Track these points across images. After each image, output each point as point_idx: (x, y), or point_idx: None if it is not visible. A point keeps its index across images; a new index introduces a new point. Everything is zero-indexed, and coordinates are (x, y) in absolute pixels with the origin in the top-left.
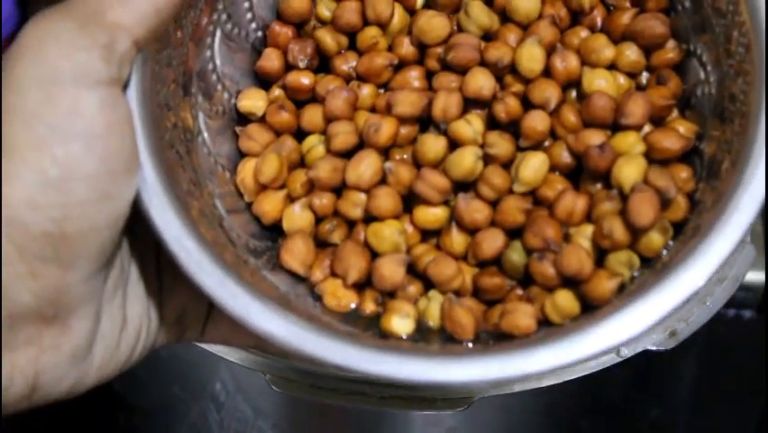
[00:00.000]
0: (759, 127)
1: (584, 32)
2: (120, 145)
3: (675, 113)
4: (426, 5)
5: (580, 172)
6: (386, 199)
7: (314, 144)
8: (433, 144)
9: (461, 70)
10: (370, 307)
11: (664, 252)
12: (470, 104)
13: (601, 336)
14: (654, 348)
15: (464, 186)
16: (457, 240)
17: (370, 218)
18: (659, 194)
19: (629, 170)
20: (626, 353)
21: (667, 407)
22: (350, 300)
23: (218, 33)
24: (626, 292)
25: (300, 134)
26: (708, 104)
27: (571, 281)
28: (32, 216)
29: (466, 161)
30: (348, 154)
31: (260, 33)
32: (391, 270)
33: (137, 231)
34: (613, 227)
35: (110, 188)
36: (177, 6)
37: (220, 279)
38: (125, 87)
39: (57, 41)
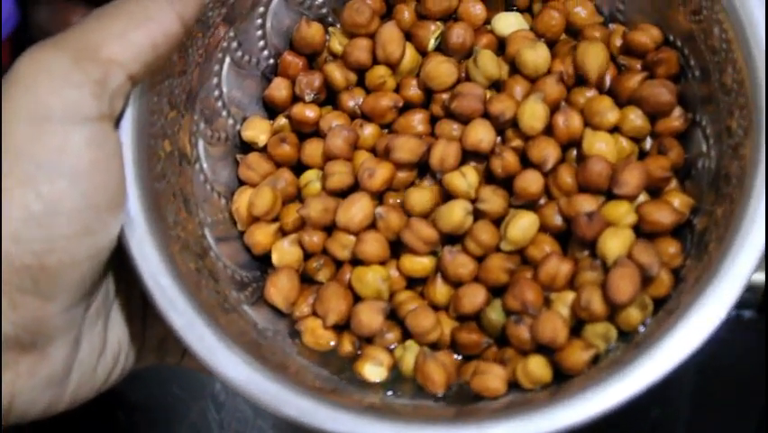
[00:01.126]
0: (745, 215)
1: (590, 92)
2: (106, 181)
3: (674, 183)
4: (439, 48)
5: (571, 235)
6: (373, 245)
7: (311, 180)
8: (418, 198)
9: (464, 120)
10: (347, 348)
11: (642, 327)
12: (468, 155)
13: (566, 413)
14: None
15: (453, 238)
16: (441, 291)
17: (357, 260)
18: (641, 270)
19: (614, 243)
20: None
21: (667, 407)
22: (328, 340)
23: (227, 60)
24: (600, 366)
25: (301, 167)
26: (707, 177)
27: (545, 348)
28: (14, 249)
29: (455, 215)
30: (344, 193)
31: (271, 61)
32: (370, 317)
33: (125, 260)
34: (591, 299)
35: (93, 223)
36: (175, 42)
37: (190, 319)
38: (119, 119)
39: (49, 76)
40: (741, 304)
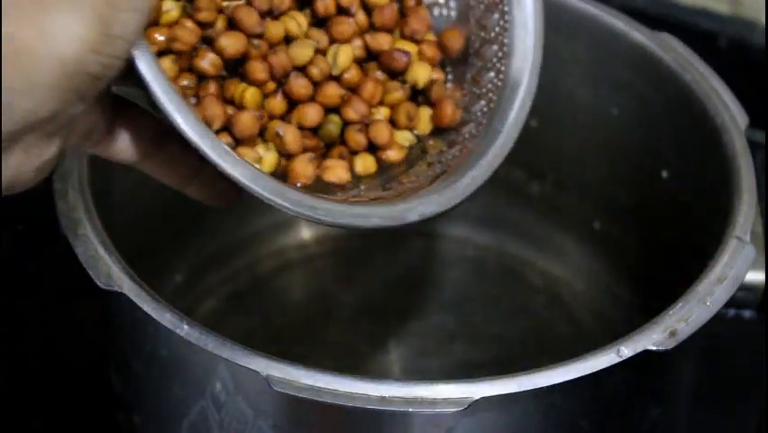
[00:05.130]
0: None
1: None
2: None
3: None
4: None
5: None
6: (255, 66)
7: (168, 9)
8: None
9: None
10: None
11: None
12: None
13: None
14: (654, 348)
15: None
16: (280, 103)
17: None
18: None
19: (422, 72)
20: (626, 353)
21: (667, 407)
22: None
23: None
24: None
25: None
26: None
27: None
28: (91, 58)
29: (305, 53)
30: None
31: None
32: (249, 119)
33: None
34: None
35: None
36: None
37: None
38: None
39: None
40: (741, 304)
